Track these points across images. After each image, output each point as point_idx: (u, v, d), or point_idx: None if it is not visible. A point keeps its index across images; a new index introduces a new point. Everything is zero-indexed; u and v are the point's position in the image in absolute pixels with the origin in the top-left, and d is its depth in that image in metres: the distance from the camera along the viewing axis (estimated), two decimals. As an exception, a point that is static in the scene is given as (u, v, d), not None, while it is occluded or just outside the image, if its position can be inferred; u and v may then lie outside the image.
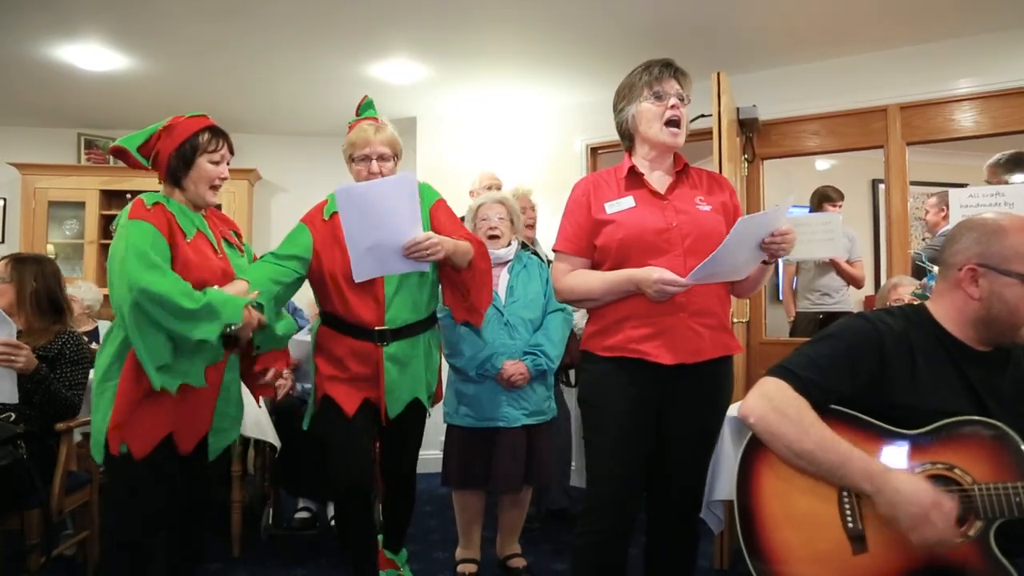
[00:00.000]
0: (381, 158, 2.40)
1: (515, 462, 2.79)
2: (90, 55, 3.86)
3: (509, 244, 2.96)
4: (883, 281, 3.99)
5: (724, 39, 3.65)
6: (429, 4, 3.30)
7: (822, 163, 5.50)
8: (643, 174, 2.00)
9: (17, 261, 2.66)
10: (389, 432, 2.49)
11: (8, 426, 2.32)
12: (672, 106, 1.96)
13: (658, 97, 1.96)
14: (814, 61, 3.92)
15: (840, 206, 4.43)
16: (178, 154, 2.04)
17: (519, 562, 2.97)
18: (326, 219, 2.42)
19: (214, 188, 2.11)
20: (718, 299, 1.98)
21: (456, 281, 2.48)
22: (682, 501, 1.99)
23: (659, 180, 2.01)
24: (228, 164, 2.15)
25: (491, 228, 2.91)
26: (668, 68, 1.97)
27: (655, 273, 1.80)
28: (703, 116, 3.25)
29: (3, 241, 5.19)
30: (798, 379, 1.48)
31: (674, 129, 1.97)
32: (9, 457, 2.24)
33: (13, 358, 2.30)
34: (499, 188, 3.70)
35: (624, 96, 2.03)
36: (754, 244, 1.83)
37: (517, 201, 3.40)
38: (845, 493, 1.44)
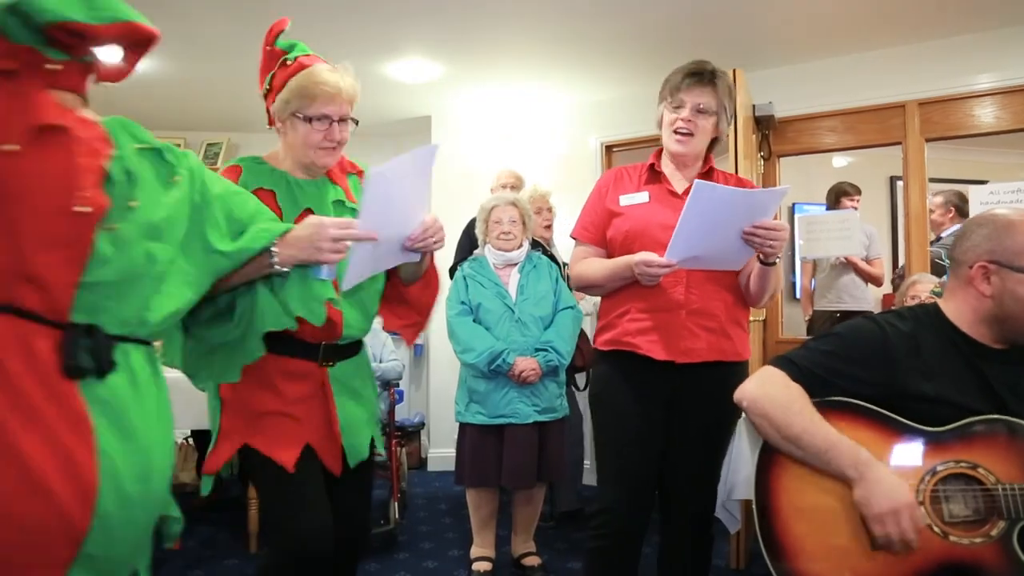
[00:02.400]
0: (343, 121, 1.68)
1: (527, 458, 2.80)
2: (97, 56, 3.88)
3: (521, 246, 2.98)
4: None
5: (740, 36, 3.63)
6: (443, 2, 3.30)
7: (839, 160, 5.45)
8: (662, 172, 2.01)
9: None
10: (339, 487, 1.73)
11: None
12: (684, 119, 1.94)
13: (675, 106, 1.96)
14: (831, 57, 3.88)
15: (857, 200, 4.38)
16: None
17: (533, 560, 2.98)
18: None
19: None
20: (723, 303, 1.94)
21: (407, 298, 1.86)
22: (695, 502, 1.98)
23: (679, 180, 2.02)
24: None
25: (503, 233, 2.94)
26: (694, 77, 1.94)
27: (639, 255, 1.81)
28: (718, 113, 3.23)
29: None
30: (796, 368, 1.51)
31: (680, 137, 1.95)
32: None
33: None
34: (519, 186, 3.68)
35: (661, 91, 2.03)
36: (736, 227, 1.77)
37: (534, 203, 3.39)
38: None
